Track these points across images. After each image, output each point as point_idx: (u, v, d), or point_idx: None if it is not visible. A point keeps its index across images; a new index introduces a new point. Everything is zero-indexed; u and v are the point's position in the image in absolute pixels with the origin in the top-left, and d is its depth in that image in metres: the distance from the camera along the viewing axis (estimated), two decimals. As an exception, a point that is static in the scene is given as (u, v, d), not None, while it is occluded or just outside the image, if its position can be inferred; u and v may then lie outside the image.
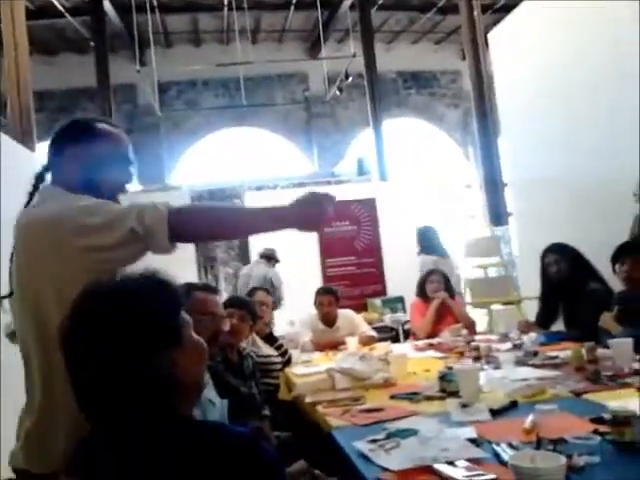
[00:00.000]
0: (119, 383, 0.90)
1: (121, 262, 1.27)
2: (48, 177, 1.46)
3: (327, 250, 6.86)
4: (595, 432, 1.48)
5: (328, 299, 4.09)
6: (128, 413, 0.90)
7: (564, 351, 2.68)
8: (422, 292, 4.24)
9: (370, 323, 5.05)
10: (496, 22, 6.95)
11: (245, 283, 5.76)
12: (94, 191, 1.38)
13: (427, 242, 5.57)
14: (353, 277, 6.95)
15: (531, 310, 4.33)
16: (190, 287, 1.97)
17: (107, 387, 0.90)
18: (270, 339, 3.44)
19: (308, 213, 1.34)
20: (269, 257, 5.82)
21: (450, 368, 2.26)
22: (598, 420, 1.55)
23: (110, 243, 1.24)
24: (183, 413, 0.98)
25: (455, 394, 2.07)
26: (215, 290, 2.25)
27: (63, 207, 1.29)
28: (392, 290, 6.75)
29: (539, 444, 1.43)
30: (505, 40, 5.93)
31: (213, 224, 1.35)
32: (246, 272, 6.10)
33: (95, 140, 1.44)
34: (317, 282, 6.26)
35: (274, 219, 1.38)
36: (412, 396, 2.14)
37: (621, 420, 1.41)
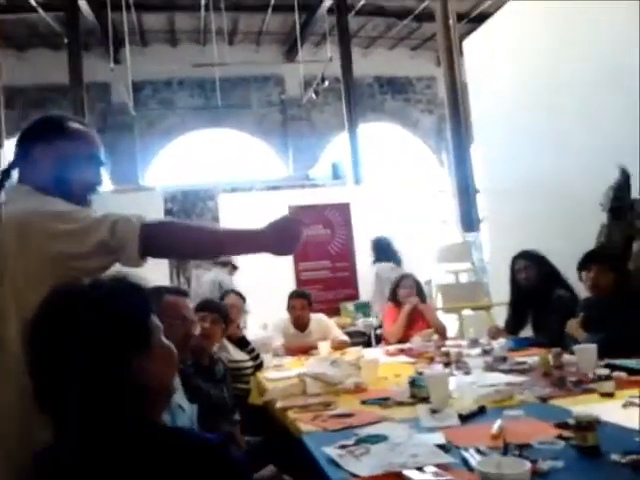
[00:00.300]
0: (86, 386, 0.89)
1: (90, 272, 1.23)
2: (15, 175, 1.42)
3: (301, 254, 6.85)
4: (560, 437, 1.51)
5: (301, 303, 4.10)
6: (95, 417, 0.89)
7: (532, 357, 2.73)
8: (394, 297, 4.27)
9: (343, 327, 5.08)
10: (471, 31, 7.06)
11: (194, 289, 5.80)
12: (63, 191, 1.36)
13: (382, 251, 5.72)
14: (326, 281, 6.97)
15: (501, 316, 4.40)
16: (160, 290, 1.96)
17: (73, 390, 0.89)
18: (242, 343, 3.43)
19: (282, 239, 1.35)
20: (224, 263, 5.93)
21: (420, 373, 2.28)
22: (563, 425, 1.59)
23: (80, 252, 1.22)
24: (151, 418, 0.97)
25: (425, 400, 2.09)
26: (185, 293, 2.24)
27: (33, 210, 1.26)
28: (365, 295, 6.78)
29: (506, 449, 1.46)
30: (479, 48, 6.03)
31: (185, 243, 1.34)
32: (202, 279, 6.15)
33: (66, 139, 1.41)
34: (290, 286, 6.25)
35: (248, 243, 1.39)
36: (383, 401, 2.16)
37: (584, 425, 1.44)
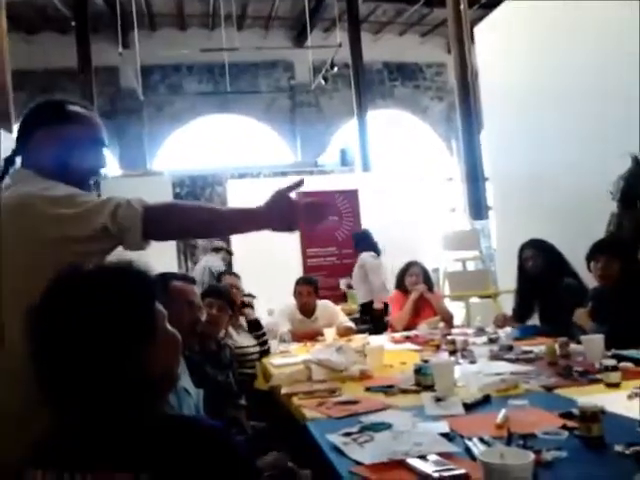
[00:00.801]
0: (90, 373, 0.89)
1: (91, 255, 1.22)
2: (18, 160, 1.42)
3: (308, 240, 6.87)
4: (564, 427, 1.51)
5: (307, 289, 4.10)
6: (98, 404, 0.90)
7: (538, 346, 2.72)
8: (401, 284, 4.27)
9: (349, 314, 5.09)
10: (483, 17, 6.97)
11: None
12: (65, 175, 1.36)
13: (365, 243, 5.98)
14: (333, 268, 6.98)
15: (508, 304, 4.39)
16: (166, 277, 1.96)
17: (78, 378, 0.89)
18: (254, 326, 3.43)
19: (283, 214, 1.34)
20: (217, 248, 6.24)
21: (426, 361, 2.28)
22: (567, 415, 1.58)
23: (81, 236, 1.23)
24: (155, 405, 0.98)
25: (430, 388, 2.09)
26: (192, 280, 2.24)
27: (34, 194, 1.26)
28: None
29: (510, 439, 1.45)
30: (491, 35, 5.95)
31: (187, 224, 1.35)
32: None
33: (67, 123, 1.41)
34: (297, 272, 6.27)
35: (248, 221, 1.39)
36: (387, 389, 2.16)
37: (589, 416, 1.44)
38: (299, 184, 1.42)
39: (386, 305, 5.31)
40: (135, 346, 0.91)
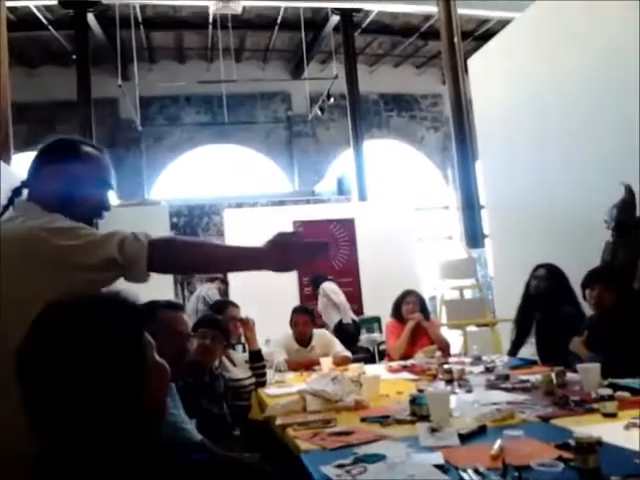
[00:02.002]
0: (79, 407, 0.88)
1: (97, 284, 1.27)
2: (25, 192, 1.44)
3: (304, 269, 6.85)
4: (560, 458, 1.49)
5: (304, 319, 4.08)
6: (85, 436, 0.88)
7: (535, 375, 2.70)
8: (397, 313, 4.26)
9: (346, 343, 5.06)
10: (476, 49, 7.11)
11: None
12: (70, 212, 1.38)
13: (322, 280, 6.41)
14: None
15: (505, 333, 4.37)
16: (154, 305, 1.94)
17: (66, 411, 0.88)
18: (255, 357, 3.39)
19: (284, 256, 1.37)
20: (213, 278, 6.53)
21: (421, 391, 2.26)
22: (563, 446, 1.56)
23: (87, 265, 1.25)
24: (147, 437, 0.96)
25: (426, 418, 2.07)
26: (181, 307, 2.22)
27: (41, 226, 1.28)
28: (369, 310, 6.77)
29: (505, 471, 1.44)
30: (484, 66, 6.06)
31: (188, 261, 1.38)
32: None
33: (77, 161, 1.44)
34: (294, 301, 6.25)
35: (249, 260, 1.42)
36: (383, 419, 2.14)
37: (585, 447, 1.42)
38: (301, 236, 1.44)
39: (354, 321, 6.05)
40: (124, 378, 0.90)
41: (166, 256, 1.33)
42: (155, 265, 1.30)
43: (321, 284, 6.30)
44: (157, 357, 1.00)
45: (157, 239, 1.32)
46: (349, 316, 6.08)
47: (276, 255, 1.36)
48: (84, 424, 0.88)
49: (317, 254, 1.43)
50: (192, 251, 1.39)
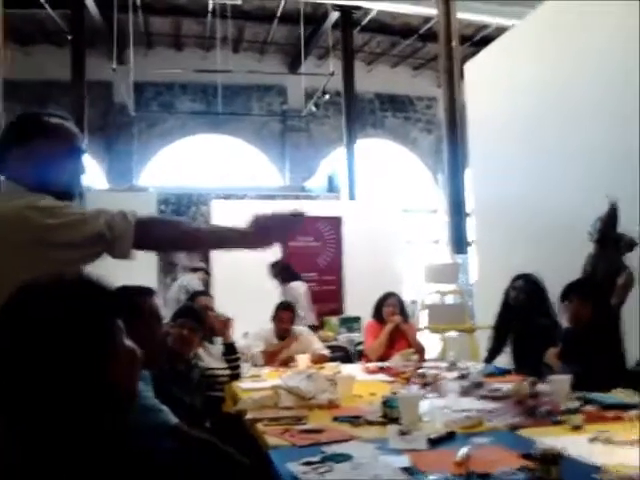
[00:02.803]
0: (44, 387, 0.88)
1: (79, 262, 1.32)
2: None
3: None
4: (523, 468, 1.51)
5: (288, 315, 4.08)
6: (51, 418, 0.88)
7: (508, 384, 2.72)
8: (378, 314, 4.27)
9: (325, 341, 5.06)
10: (473, 54, 7.13)
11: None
12: (49, 187, 1.39)
13: (287, 272, 6.01)
14: (313, 294, 6.93)
15: (484, 340, 4.41)
16: (133, 291, 1.93)
17: (30, 390, 0.88)
18: (229, 349, 3.39)
19: (264, 234, 1.47)
20: (196, 269, 6.47)
21: (394, 393, 2.28)
22: (528, 456, 1.58)
23: (72, 242, 1.29)
24: (115, 422, 0.96)
25: (396, 420, 2.08)
26: (154, 292, 2.19)
27: (28, 204, 1.30)
28: (350, 309, 6.78)
29: (468, 477, 1.45)
30: (479, 72, 6.09)
31: (174, 238, 1.47)
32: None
33: (44, 136, 1.44)
34: (277, 296, 6.24)
35: (230, 240, 1.54)
36: (354, 419, 2.15)
37: (548, 458, 1.44)
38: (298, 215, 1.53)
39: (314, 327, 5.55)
40: (91, 361, 0.90)
41: (152, 234, 1.40)
42: (141, 242, 1.35)
43: (290, 281, 5.99)
44: (127, 341, 1.00)
45: (144, 217, 1.39)
46: (311, 321, 5.80)
47: (257, 234, 1.46)
48: (49, 406, 0.88)
49: (295, 227, 1.53)
50: (176, 229, 1.48)
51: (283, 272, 6.02)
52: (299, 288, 5.99)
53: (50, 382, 0.88)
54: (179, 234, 1.47)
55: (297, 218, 1.51)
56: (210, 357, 3.27)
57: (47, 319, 0.90)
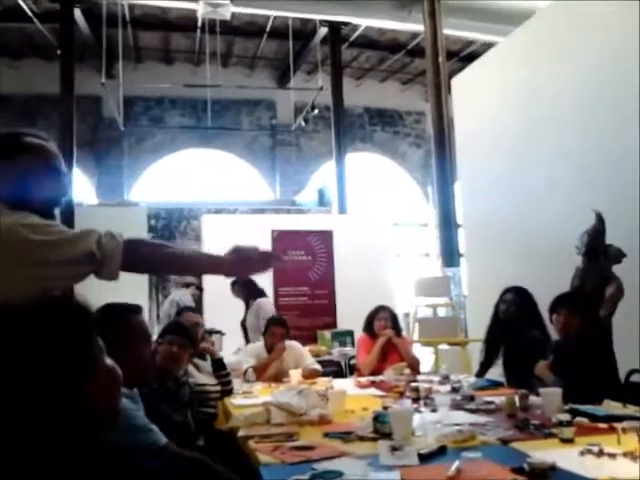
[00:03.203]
0: (22, 406, 0.87)
1: (67, 280, 1.34)
2: None
3: (280, 279, 6.85)
4: (514, 482, 1.51)
5: (281, 331, 4.04)
6: (28, 435, 0.87)
7: (500, 397, 2.72)
8: (369, 328, 4.26)
9: (317, 355, 5.04)
10: (460, 69, 7.21)
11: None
12: (28, 206, 1.39)
13: (253, 288, 5.65)
14: (305, 308, 6.94)
15: (476, 353, 4.41)
16: (120, 309, 1.92)
17: (8, 408, 0.87)
18: (218, 365, 3.36)
19: (238, 266, 1.56)
20: (188, 284, 6.55)
21: (386, 408, 2.27)
22: (518, 470, 1.58)
23: (63, 260, 1.29)
24: (95, 440, 0.95)
25: (388, 436, 2.07)
26: (141, 310, 2.16)
27: (15, 221, 1.30)
28: (342, 323, 6.76)
29: (460, 492, 1.45)
30: (467, 87, 6.15)
31: (159, 262, 1.52)
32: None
33: (23, 154, 1.44)
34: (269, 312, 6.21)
35: (211, 266, 1.64)
36: (345, 435, 2.14)
37: (538, 472, 1.45)
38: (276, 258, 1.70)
39: None
40: (69, 380, 0.90)
41: (138, 256, 1.42)
42: (127, 264, 1.37)
43: (257, 298, 5.65)
44: (108, 360, 0.99)
45: (130, 239, 1.41)
46: None
47: (237, 264, 1.54)
48: (27, 424, 0.87)
49: (270, 264, 1.62)
50: (160, 253, 1.51)
51: (246, 290, 5.67)
52: (269, 304, 5.72)
53: (27, 398, 0.87)
54: (165, 256, 1.51)
55: (275, 258, 1.66)
56: (201, 373, 3.24)
57: (23, 339, 0.90)
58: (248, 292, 5.69)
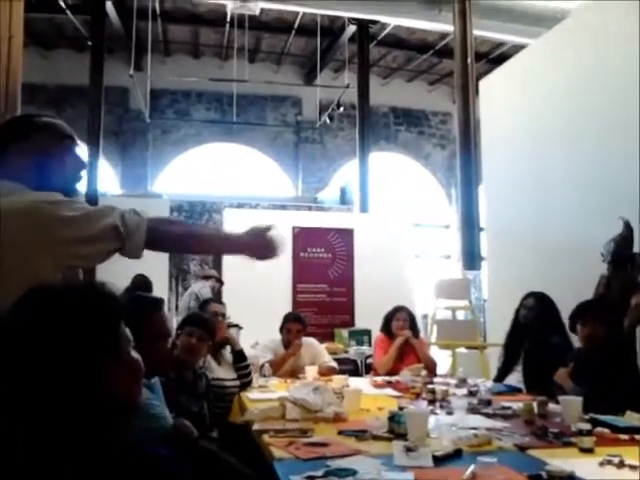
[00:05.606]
0: (44, 391, 0.87)
1: (93, 258, 1.36)
2: None
3: (299, 275, 6.84)
4: (531, 490, 1.48)
5: (297, 327, 4.04)
6: (49, 423, 0.88)
7: (517, 402, 2.69)
8: (387, 328, 4.24)
9: (334, 353, 5.04)
10: (489, 71, 7.13)
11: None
12: (50, 183, 1.41)
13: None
14: (323, 305, 6.92)
15: (494, 357, 4.36)
16: (147, 303, 1.93)
17: (31, 393, 0.88)
18: (238, 357, 3.36)
19: (259, 245, 1.57)
20: (208, 277, 6.67)
21: (402, 409, 2.26)
22: (535, 477, 1.56)
23: (90, 235, 1.31)
24: (113, 429, 0.96)
25: (403, 436, 2.06)
26: (162, 302, 2.17)
27: (40, 199, 1.32)
28: (360, 322, 6.74)
29: (475, 497, 1.43)
30: (494, 89, 6.07)
31: (182, 238, 1.52)
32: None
33: (39, 133, 1.47)
34: (287, 306, 6.22)
35: (232, 244, 1.63)
36: (360, 434, 2.13)
37: (557, 480, 1.42)
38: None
39: None
40: (95, 364, 0.90)
41: (162, 232, 1.44)
42: (151, 240, 1.39)
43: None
44: (133, 352, 1.00)
45: (154, 217, 1.44)
46: None
47: (260, 246, 1.57)
48: (49, 411, 0.88)
49: (274, 253, 1.62)
50: (184, 230, 1.55)
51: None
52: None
53: (49, 386, 0.88)
54: (186, 232, 1.54)
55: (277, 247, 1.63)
56: (220, 366, 3.25)
57: (52, 325, 0.90)
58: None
